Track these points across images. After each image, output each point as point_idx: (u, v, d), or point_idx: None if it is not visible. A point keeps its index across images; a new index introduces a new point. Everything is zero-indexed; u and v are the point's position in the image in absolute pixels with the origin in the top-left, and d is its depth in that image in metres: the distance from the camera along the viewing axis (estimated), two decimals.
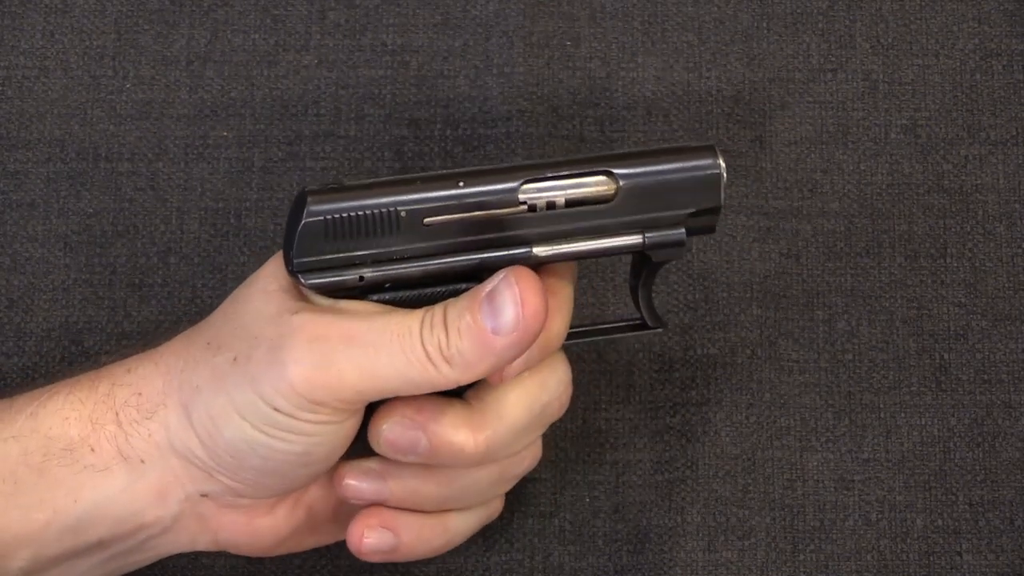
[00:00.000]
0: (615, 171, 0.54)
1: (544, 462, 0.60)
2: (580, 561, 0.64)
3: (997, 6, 0.70)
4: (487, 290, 0.52)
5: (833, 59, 0.70)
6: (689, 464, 0.65)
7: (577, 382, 0.63)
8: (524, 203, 0.53)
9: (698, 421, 0.66)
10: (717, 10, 0.70)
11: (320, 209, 0.52)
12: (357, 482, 0.56)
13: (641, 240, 0.55)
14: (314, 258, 0.52)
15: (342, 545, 0.62)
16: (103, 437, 0.54)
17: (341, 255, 0.52)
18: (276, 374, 0.51)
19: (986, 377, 0.66)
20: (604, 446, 0.65)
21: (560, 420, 0.59)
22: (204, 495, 0.55)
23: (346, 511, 0.59)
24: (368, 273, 0.53)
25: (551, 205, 0.53)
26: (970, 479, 0.65)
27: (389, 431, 0.54)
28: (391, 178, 0.54)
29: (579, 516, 0.65)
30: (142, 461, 0.54)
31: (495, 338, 0.52)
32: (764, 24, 0.70)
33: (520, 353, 0.53)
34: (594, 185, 0.54)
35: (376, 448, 0.55)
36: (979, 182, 0.68)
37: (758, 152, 0.69)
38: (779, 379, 0.66)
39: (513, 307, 0.52)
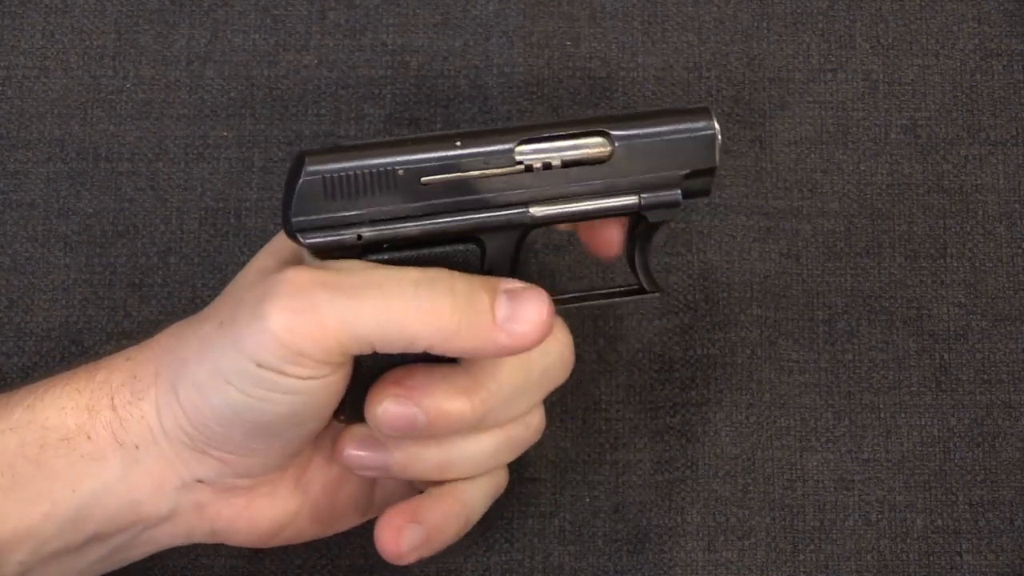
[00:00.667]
0: (611, 132, 0.54)
1: (544, 462, 0.60)
2: (580, 561, 0.64)
3: (997, 6, 0.70)
4: (510, 286, 0.53)
5: (833, 59, 0.70)
6: (689, 464, 0.65)
7: (577, 382, 0.64)
8: (520, 163, 0.54)
9: (698, 421, 0.66)
10: (717, 10, 0.70)
11: (318, 168, 0.53)
12: (358, 451, 0.56)
13: (637, 201, 0.55)
14: (312, 217, 0.53)
15: (342, 544, 0.62)
16: (99, 424, 0.54)
17: (339, 215, 0.53)
18: (258, 327, 0.51)
19: (986, 377, 0.66)
20: (604, 446, 0.65)
21: (560, 420, 0.60)
22: (199, 480, 0.55)
23: (345, 497, 0.59)
24: (366, 232, 0.53)
25: (547, 166, 0.54)
26: (970, 479, 0.65)
27: (384, 412, 0.54)
28: (389, 139, 0.55)
29: (579, 516, 0.65)
30: (136, 447, 0.54)
31: (498, 331, 0.52)
32: (764, 24, 0.70)
33: (507, 355, 0.54)
34: (590, 146, 0.54)
35: (375, 431, 0.55)
36: (979, 182, 0.68)
37: (758, 152, 0.69)
38: (779, 379, 0.66)
39: (531, 322, 0.53)
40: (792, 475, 0.65)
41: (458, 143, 0.53)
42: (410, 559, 0.57)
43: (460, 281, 0.53)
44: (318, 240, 0.53)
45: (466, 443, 0.56)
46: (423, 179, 0.53)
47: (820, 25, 0.70)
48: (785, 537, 0.65)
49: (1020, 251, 0.68)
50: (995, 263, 0.68)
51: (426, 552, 0.57)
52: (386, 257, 0.54)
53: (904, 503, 0.65)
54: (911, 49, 0.70)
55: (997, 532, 0.65)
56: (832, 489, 0.65)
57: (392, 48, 0.69)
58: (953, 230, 0.68)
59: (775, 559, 0.65)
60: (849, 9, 0.70)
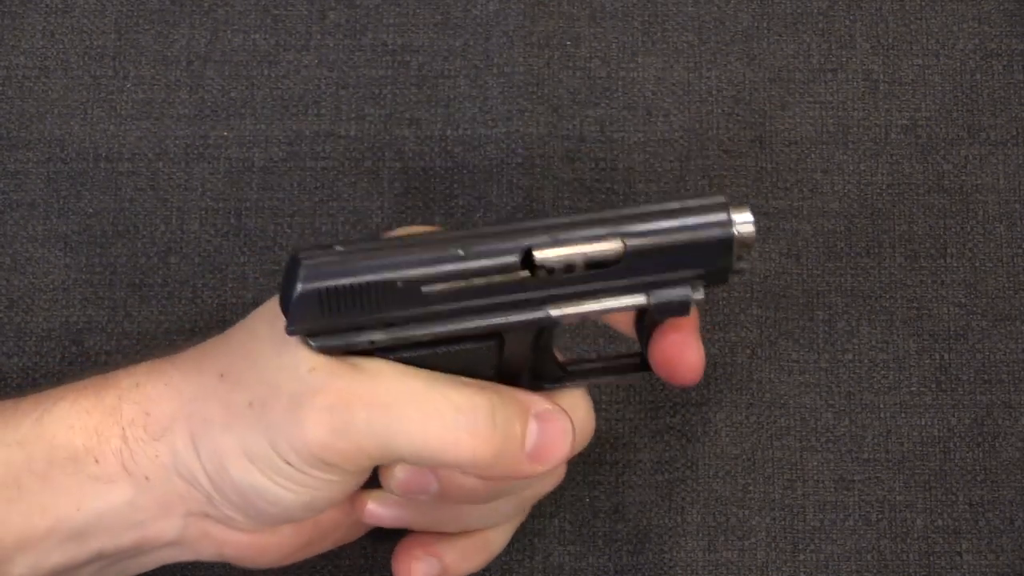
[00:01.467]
0: (622, 233, 0.51)
1: None
2: (580, 561, 0.64)
3: (997, 6, 0.70)
4: (539, 408, 0.53)
5: (833, 59, 0.70)
6: (689, 464, 0.65)
7: None
8: (525, 270, 0.51)
9: (698, 421, 0.66)
10: (717, 10, 0.70)
11: (313, 287, 0.50)
12: (379, 509, 0.57)
13: (645, 300, 0.53)
14: (311, 324, 0.51)
15: (342, 546, 0.62)
16: (108, 451, 0.54)
17: (341, 322, 0.51)
18: (293, 434, 0.51)
19: (986, 377, 0.66)
20: (604, 446, 0.65)
21: None
22: (208, 515, 0.55)
23: (352, 521, 0.59)
24: (379, 337, 0.52)
25: (551, 271, 0.51)
26: (970, 479, 0.65)
27: (399, 475, 0.54)
28: (387, 240, 0.52)
29: (579, 516, 0.65)
30: (147, 478, 0.54)
31: (524, 460, 0.53)
32: (764, 24, 0.70)
33: (521, 479, 0.54)
34: (601, 249, 0.52)
35: (388, 491, 0.55)
36: (979, 182, 0.68)
37: (758, 152, 0.69)
38: (779, 379, 0.66)
39: (554, 457, 0.53)
40: (792, 475, 0.65)
41: (460, 251, 0.51)
42: None
43: (500, 411, 0.52)
44: (330, 344, 0.51)
45: (484, 508, 0.57)
46: (423, 289, 0.51)
47: (820, 25, 0.70)
48: (785, 537, 0.65)
49: (1020, 251, 0.68)
50: (995, 263, 0.68)
51: None
52: (405, 356, 0.52)
53: (904, 503, 0.65)
54: (911, 49, 0.70)
55: (997, 532, 0.65)
56: (832, 489, 0.65)
57: (392, 48, 0.69)
58: (953, 230, 0.68)
59: (775, 559, 0.65)
60: (849, 9, 0.70)
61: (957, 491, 0.65)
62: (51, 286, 0.67)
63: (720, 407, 0.66)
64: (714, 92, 0.69)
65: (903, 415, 0.66)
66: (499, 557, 0.64)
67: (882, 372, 0.66)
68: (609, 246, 0.51)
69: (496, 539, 0.59)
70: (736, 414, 0.66)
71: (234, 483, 0.52)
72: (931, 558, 0.64)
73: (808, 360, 0.67)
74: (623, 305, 0.53)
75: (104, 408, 0.54)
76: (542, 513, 0.64)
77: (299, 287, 0.50)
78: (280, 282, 0.51)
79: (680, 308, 0.53)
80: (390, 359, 0.52)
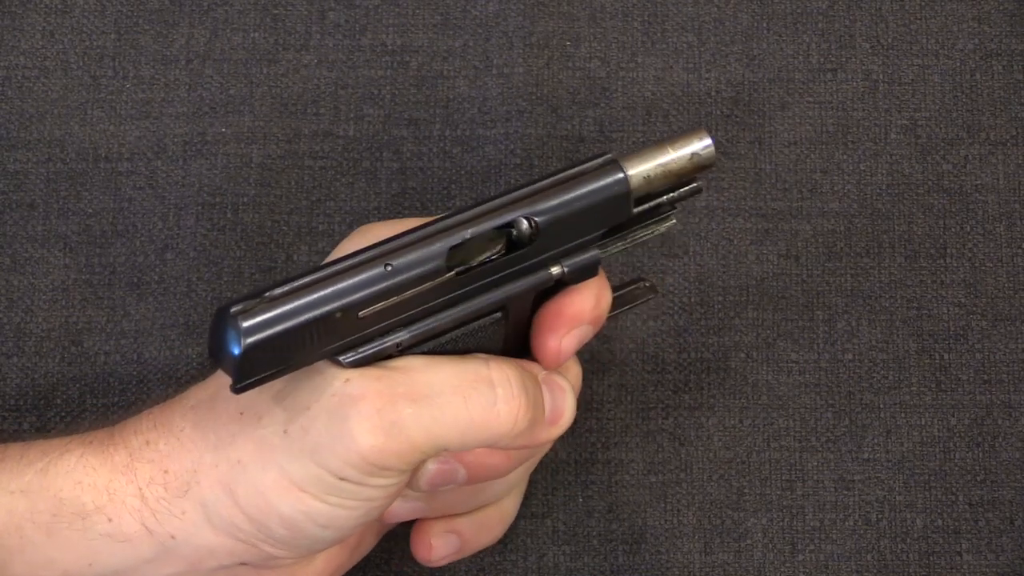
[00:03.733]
0: (535, 212, 0.52)
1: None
2: (575, 561, 0.64)
3: (997, 6, 0.70)
4: (541, 374, 0.54)
5: (833, 59, 0.70)
6: (683, 466, 0.65)
7: None
8: (451, 271, 0.52)
9: (691, 424, 0.66)
10: (717, 10, 0.70)
11: (253, 341, 0.49)
12: (398, 506, 0.56)
13: (561, 271, 0.54)
14: (262, 376, 0.50)
15: None
16: (124, 510, 0.52)
17: (290, 364, 0.50)
18: (344, 447, 0.50)
19: (986, 377, 0.66)
20: (596, 446, 0.65)
21: None
22: (244, 563, 0.54)
23: (371, 535, 0.59)
24: (403, 337, 0.52)
25: (481, 263, 0.52)
26: (970, 479, 0.65)
27: (426, 471, 0.54)
28: (313, 276, 0.50)
29: (573, 516, 0.64)
30: (172, 536, 0.52)
31: (547, 426, 0.54)
32: (764, 24, 0.70)
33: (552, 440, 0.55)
34: (519, 229, 0.53)
35: (417, 489, 0.55)
36: (979, 182, 0.68)
37: (757, 153, 0.68)
38: (777, 380, 0.66)
39: (565, 420, 0.55)
40: (792, 475, 0.65)
41: (388, 267, 0.50)
42: (441, 564, 0.59)
43: (526, 377, 0.53)
44: (358, 357, 0.51)
45: (498, 482, 0.57)
46: (360, 313, 0.50)
47: (820, 25, 0.70)
48: (784, 537, 0.64)
49: (1020, 251, 0.67)
50: (995, 263, 0.67)
51: (459, 556, 0.59)
52: (426, 348, 0.53)
53: (904, 503, 0.65)
54: (911, 49, 0.70)
55: (997, 532, 0.64)
56: (832, 489, 0.65)
57: (392, 48, 0.69)
58: (953, 230, 0.68)
59: (773, 560, 0.64)
60: (849, 9, 0.70)
61: (957, 491, 0.65)
62: (50, 286, 0.67)
63: (713, 411, 0.66)
64: (713, 92, 0.69)
65: (903, 415, 0.66)
66: (493, 557, 0.64)
67: (882, 372, 0.66)
68: (524, 228, 0.52)
69: (510, 506, 0.59)
70: (729, 418, 0.66)
71: (283, 517, 0.51)
72: (931, 558, 0.64)
73: (808, 360, 0.66)
74: (538, 281, 0.54)
75: (113, 466, 0.53)
76: (536, 513, 0.64)
77: (240, 346, 0.48)
78: (208, 337, 0.50)
79: (590, 270, 0.54)
80: (414, 353, 0.52)
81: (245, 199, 0.67)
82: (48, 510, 0.52)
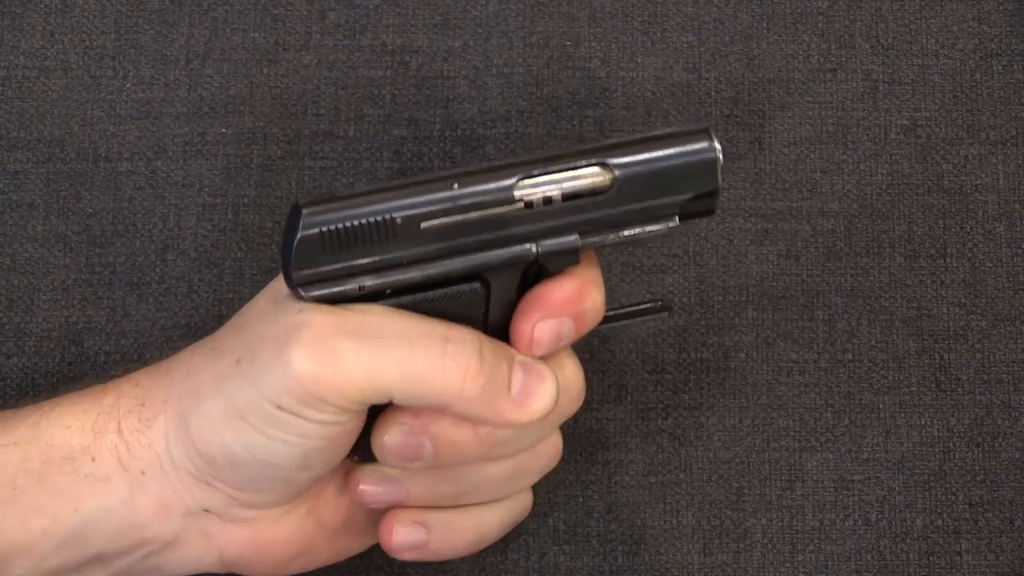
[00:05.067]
0: (610, 162, 0.53)
1: None
2: (575, 561, 0.64)
3: (997, 6, 0.70)
4: (523, 359, 0.54)
5: (833, 59, 0.70)
6: (682, 467, 0.65)
7: None
8: (520, 200, 0.53)
9: (690, 424, 0.66)
10: (717, 10, 0.70)
11: (315, 221, 0.51)
12: (372, 487, 0.56)
13: (641, 231, 0.54)
14: (313, 270, 0.52)
15: None
16: (104, 447, 0.53)
17: (340, 266, 0.52)
18: (281, 371, 0.50)
19: (986, 377, 0.66)
20: (596, 445, 0.65)
21: None
22: (206, 510, 0.54)
23: (358, 521, 0.59)
24: (368, 282, 0.52)
25: (547, 201, 0.53)
26: (970, 479, 0.65)
27: (391, 440, 0.54)
28: (384, 184, 0.53)
29: (573, 516, 0.64)
30: (143, 472, 0.54)
31: (509, 403, 0.53)
32: (764, 24, 0.70)
33: (504, 427, 0.54)
34: (589, 177, 0.53)
35: (382, 460, 0.55)
36: (979, 182, 0.68)
37: (757, 153, 0.68)
38: (777, 380, 0.66)
39: (539, 405, 0.54)
40: (791, 475, 0.65)
41: (455, 184, 0.52)
42: (405, 557, 0.57)
43: (487, 346, 0.53)
44: (321, 293, 0.52)
45: (477, 473, 0.56)
46: (423, 224, 0.52)
47: (820, 25, 0.70)
48: (783, 538, 0.64)
49: (1020, 251, 0.67)
50: (995, 263, 0.67)
51: (426, 557, 0.58)
52: (391, 302, 0.53)
53: (904, 503, 0.65)
54: (911, 49, 0.70)
55: (997, 532, 0.64)
56: (832, 489, 0.65)
57: (392, 48, 0.70)
58: (953, 230, 0.68)
59: (772, 560, 0.64)
60: (849, 9, 0.70)
61: (957, 491, 0.65)
62: (50, 286, 0.67)
63: (713, 411, 0.66)
64: (713, 92, 0.69)
65: (903, 415, 0.66)
66: (495, 556, 0.64)
67: (882, 372, 0.66)
68: (598, 173, 0.53)
69: (487, 520, 0.58)
70: (729, 418, 0.66)
71: (224, 447, 0.52)
72: (931, 558, 0.64)
73: (808, 360, 0.66)
74: (613, 239, 0.54)
75: (101, 408, 0.54)
76: (536, 512, 0.64)
77: (300, 232, 0.51)
78: (281, 238, 0.52)
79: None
80: (380, 304, 0.53)
81: (246, 200, 0.67)
82: (39, 457, 0.53)
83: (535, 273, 0.55)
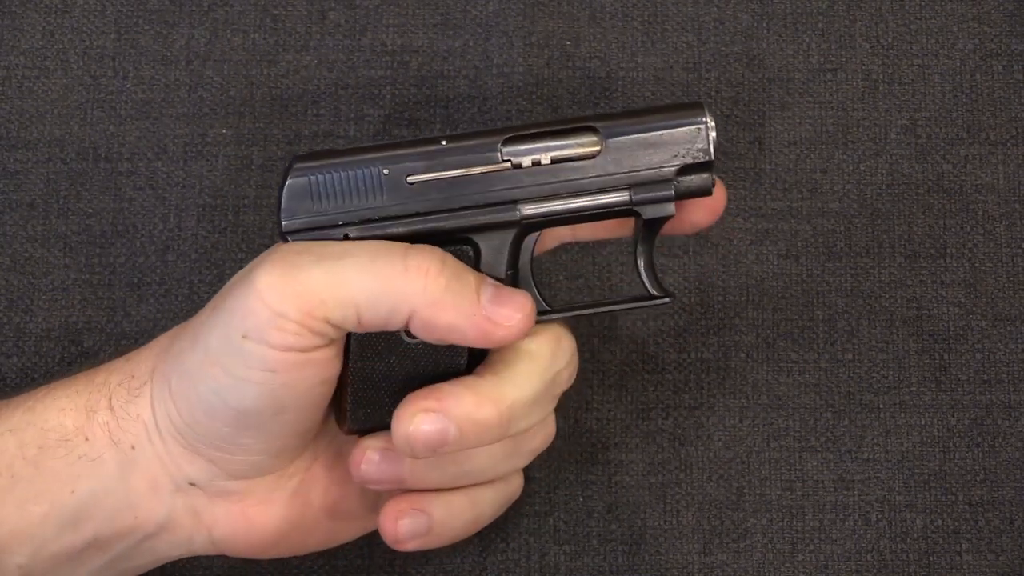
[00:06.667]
0: (600, 127, 0.54)
1: (537, 460, 0.60)
2: (576, 561, 0.64)
3: (997, 6, 0.70)
4: (495, 282, 0.54)
5: (833, 59, 0.70)
6: (682, 467, 0.65)
7: None
8: (507, 161, 0.53)
9: (691, 424, 0.66)
10: (717, 10, 0.70)
11: (304, 167, 0.53)
12: (374, 467, 0.56)
13: (628, 197, 0.54)
14: (301, 219, 0.53)
15: (340, 545, 0.62)
16: (96, 425, 0.54)
17: (326, 216, 0.53)
18: (246, 292, 0.51)
19: (986, 377, 0.66)
20: (596, 445, 0.65)
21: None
22: (192, 484, 0.55)
23: (348, 503, 0.58)
24: (354, 233, 0.53)
25: (535, 163, 0.54)
26: (970, 479, 0.65)
27: (417, 430, 0.53)
28: (378, 142, 0.55)
29: (573, 515, 0.64)
30: (132, 447, 0.54)
31: (481, 311, 0.52)
32: (764, 24, 0.70)
33: (488, 341, 0.53)
34: (579, 142, 0.54)
35: (409, 454, 0.54)
36: (979, 182, 0.68)
37: (757, 153, 0.69)
38: (777, 380, 0.66)
39: (515, 313, 0.53)
40: (791, 475, 0.65)
41: (444, 141, 0.53)
42: (408, 547, 0.57)
43: (450, 260, 0.53)
44: (303, 239, 0.53)
45: (480, 452, 0.56)
46: (409, 178, 0.53)
47: (820, 25, 0.70)
48: (783, 538, 0.64)
49: (1020, 251, 0.67)
50: (995, 263, 0.67)
51: (428, 544, 0.57)
52: None
53: (904, 503, 0.65)
54: (911, 49, 0.70)
55: (997, 532, 0.64)
56: (832, 489, 0.65)
57: (392, 48, 0.70)
58: (953, 230, 0.68)
59: (772, 560, 0.64)
60: (849, 9, 0.70)
61: (957, 491, 0.65)
62: (50, 286, 0.67)
63: (713, 411, 0.66)
64: (713, 93, 0.69)
65: (903, 415, 0.66)
66: (496, 556, 0.64)
67: (882, 372, 0.66)
68: (588, 140, 0.54)
69: (483, 500, 0.58)
70: (729, 418, 0.66)
71: (200, 397, 0.52)
72: (931, 558, 0.64)
73: (808, 360, 0.66)
74: (602, 202, 0.54)
75: (94, 386, 0.55)
76: (537, 512, 0.64)
77: (293, 168, 0.53)
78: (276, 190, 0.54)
79: (664, 204, 0.54)
80: None
81: (246, 200, 0.67)
82: (35, 443, 0.54)
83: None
